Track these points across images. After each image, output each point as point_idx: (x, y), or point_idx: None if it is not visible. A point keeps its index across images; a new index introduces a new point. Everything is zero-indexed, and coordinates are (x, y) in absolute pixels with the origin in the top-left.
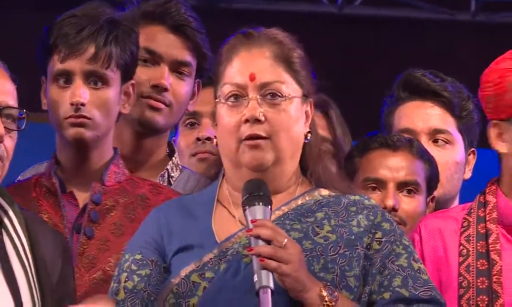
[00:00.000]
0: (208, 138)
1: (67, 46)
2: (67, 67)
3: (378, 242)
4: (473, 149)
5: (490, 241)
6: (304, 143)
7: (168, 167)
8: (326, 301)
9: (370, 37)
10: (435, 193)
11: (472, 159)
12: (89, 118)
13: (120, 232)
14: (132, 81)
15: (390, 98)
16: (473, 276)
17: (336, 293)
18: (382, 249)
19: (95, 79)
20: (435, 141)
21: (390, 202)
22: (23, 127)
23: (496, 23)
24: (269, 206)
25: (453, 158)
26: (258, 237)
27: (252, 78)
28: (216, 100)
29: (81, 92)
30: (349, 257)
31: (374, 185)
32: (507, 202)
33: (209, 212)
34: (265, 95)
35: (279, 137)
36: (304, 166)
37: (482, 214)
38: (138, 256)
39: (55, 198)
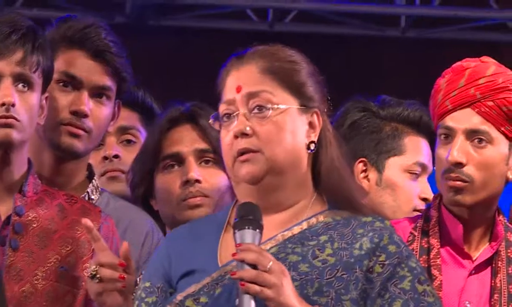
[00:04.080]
0: (116, 156)
1: None
2: None
3: (381, 265)
4: None
5: (431, 256)
6: (316, 157)
7: (88, 190)
8: None
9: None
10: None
11: None
12: (18, 120)
13: (43, 244)
14: (47, 94)
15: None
16: None
17: None
18: (383, 272)
19: (22, 82)
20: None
21: None
22: None
23: (425, 39)
24: (258, 230)
25: None
26: (242, 261)
27: (238, 90)
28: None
29: (12, 92)
30: (346, 280)
31: None
32: (449, 217)
33: (218, 235)
34: (252, 109)
35: (269, 149)
36: (317, 182)
37: (426, 228)
38: (147, 284)
39: None
